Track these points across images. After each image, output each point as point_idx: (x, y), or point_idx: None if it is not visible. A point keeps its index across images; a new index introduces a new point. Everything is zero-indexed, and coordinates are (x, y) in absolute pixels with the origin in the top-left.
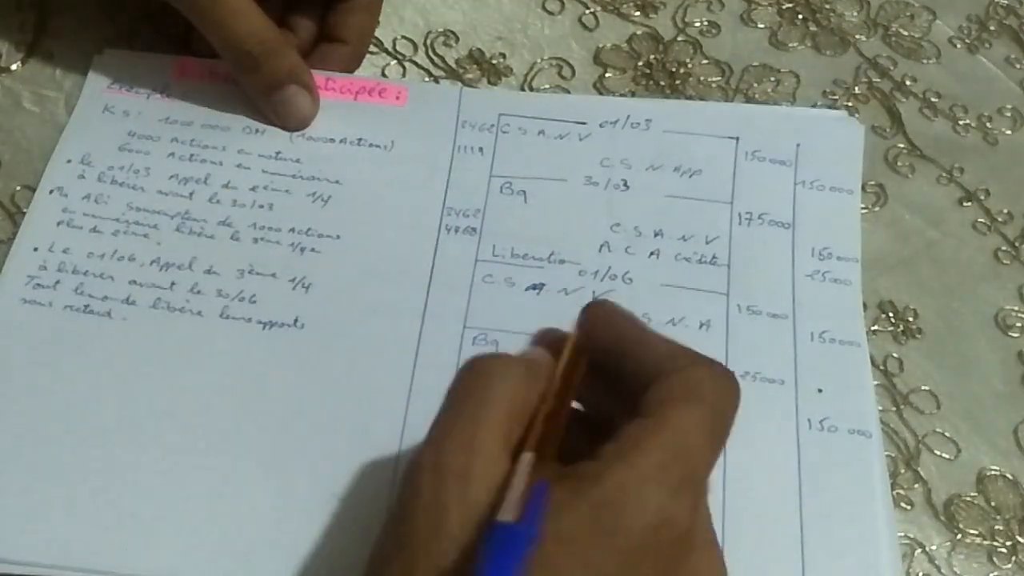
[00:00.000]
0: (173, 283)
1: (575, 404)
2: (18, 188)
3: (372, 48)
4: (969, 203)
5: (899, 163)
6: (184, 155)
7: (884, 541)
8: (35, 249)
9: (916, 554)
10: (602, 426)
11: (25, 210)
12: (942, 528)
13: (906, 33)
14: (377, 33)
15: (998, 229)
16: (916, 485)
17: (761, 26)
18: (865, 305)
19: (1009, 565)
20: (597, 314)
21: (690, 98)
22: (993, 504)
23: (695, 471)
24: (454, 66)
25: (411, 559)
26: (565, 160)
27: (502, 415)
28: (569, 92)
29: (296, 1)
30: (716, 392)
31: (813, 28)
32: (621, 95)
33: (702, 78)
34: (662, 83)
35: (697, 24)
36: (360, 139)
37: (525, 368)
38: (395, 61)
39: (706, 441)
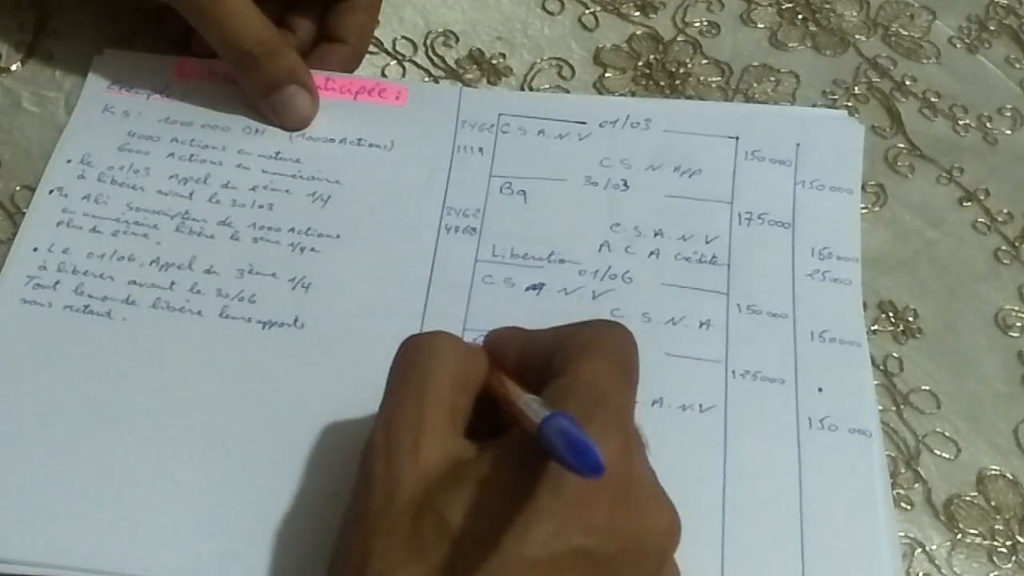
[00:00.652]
0: (173, 283)
1: None
2: (18, 188)
3: (372, 48)
4: (969, 203)
5: (899, 163)
6: (184, 155)
7: (884, 541)
8: (35, 249)
9: (916, 554)
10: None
11: (25, 210)
12: (942, 528)
13: (906, 33)
14: (377, 33)
15: (998, 229)
16: (916, 485)
17: (761, 26)
18: (865, 305)
19: (1009, 565)
20: (493, 336)
21: (690, 98)
22: (993, 504)
23: (617, 413)
24: (454, 66)
25: (369, 526)
26: (565, 160)
27: (445, 388)
28: (569, 92)
29: (295, 1)
30: (611, 340)
31: (813, 28)
32: (621, 95)
33: (702, 78)
34: (662, 83)
35: (697, 24)
36: (360, 139)
37: (463, 344)
38: (395, 61)
39: (617, 382)
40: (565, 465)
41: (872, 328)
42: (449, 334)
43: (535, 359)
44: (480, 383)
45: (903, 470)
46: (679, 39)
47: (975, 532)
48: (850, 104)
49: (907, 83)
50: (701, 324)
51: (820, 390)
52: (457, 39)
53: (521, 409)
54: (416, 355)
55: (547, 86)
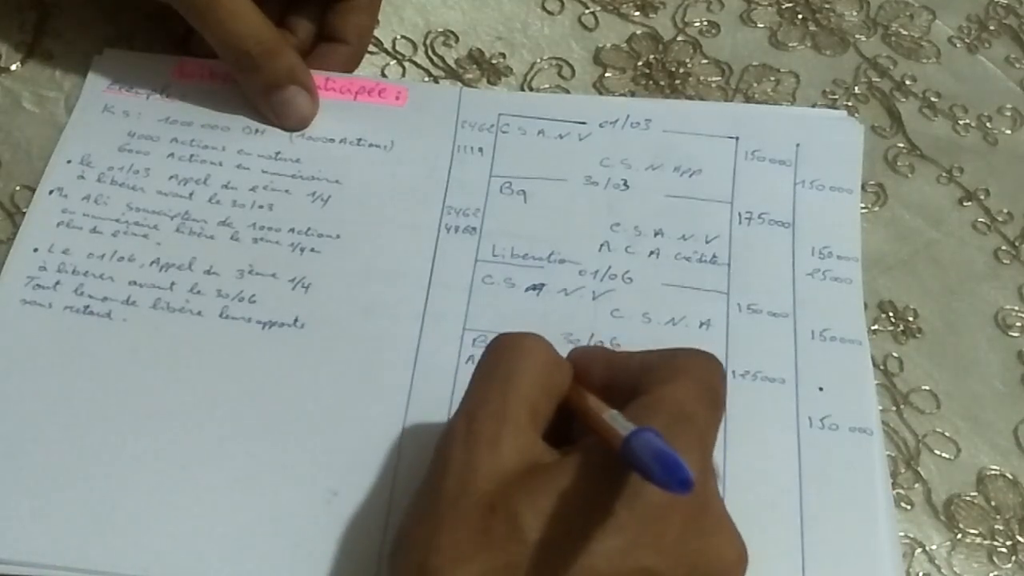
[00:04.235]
0: (173, 283)
1: None
2: (18, 188)
3: (372, 48)
4: (969, 203)
5: (899, 163)
6: (184, 155)
7: (884, 540)
8: (35, 250)
9: (916, 554)
10: None
11: (25, 210)
12: (942, 528)
13: (906, 33)
14: (377, 33)
15: (998, 229)
16: (916, 485)
17: (761, 26)
18: (865, 305)
19: (1009, 565)
20: (579, 353)
21: (690, 98)
22: (993, 504)
23: (700, 435)
24: (454, 66)
25: (439, 516)
26: (565, 160)
27: (530, 388)
28: (569, 92)
29: (295, 1)
30: (700, 367)
31: (813, 28)
32: (621, 95)
33: (702, 78)
34: (662, 83)
35: (697, 24)
36: (360, 139)
37: (553, 351)
38: (395, 61)
39: (701, 406)
40: (652, 479)
41: (872, 328)
42: (540, 337)
43: (622, 379)
44: (563, 393)
45: (903, 470)
46: (679, 39)
47: (975, 532)
48: (850, 104)
49: (907, 83)
50: (701, 324)
51: (821, 389)
52: (457, 39)
53: (605, 422)
54: (506, 351)
55: (547, 86)
